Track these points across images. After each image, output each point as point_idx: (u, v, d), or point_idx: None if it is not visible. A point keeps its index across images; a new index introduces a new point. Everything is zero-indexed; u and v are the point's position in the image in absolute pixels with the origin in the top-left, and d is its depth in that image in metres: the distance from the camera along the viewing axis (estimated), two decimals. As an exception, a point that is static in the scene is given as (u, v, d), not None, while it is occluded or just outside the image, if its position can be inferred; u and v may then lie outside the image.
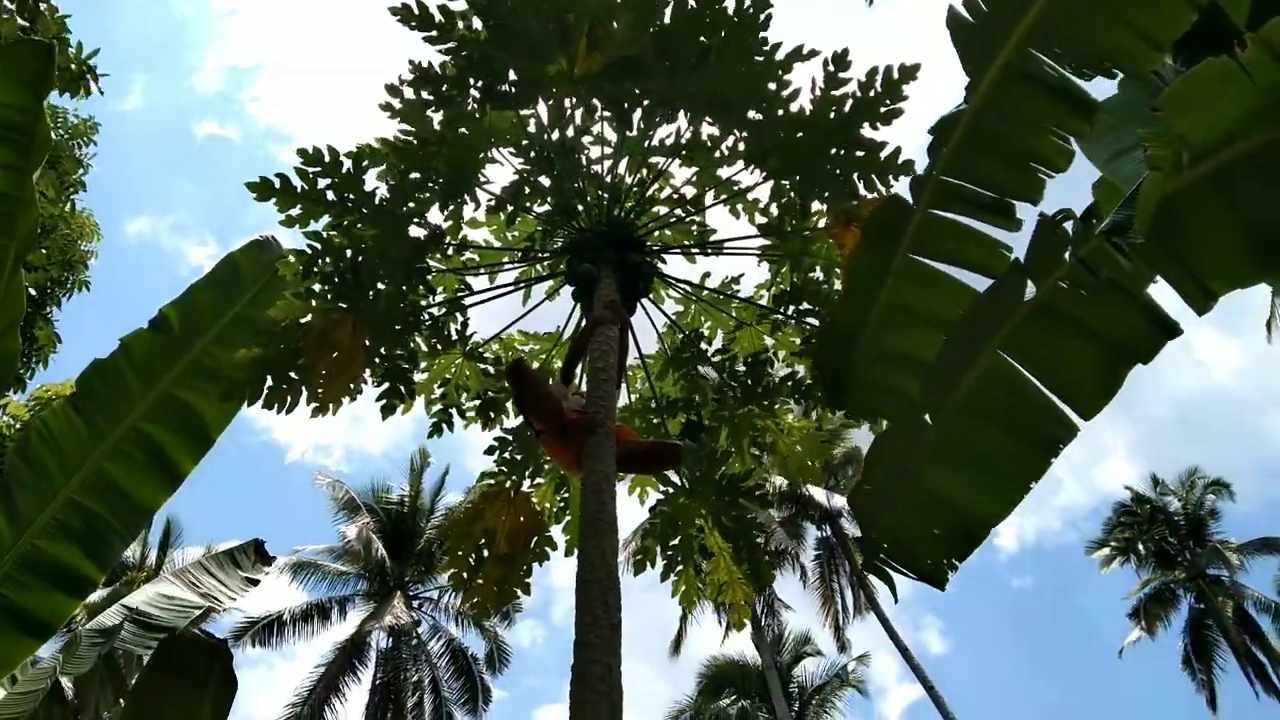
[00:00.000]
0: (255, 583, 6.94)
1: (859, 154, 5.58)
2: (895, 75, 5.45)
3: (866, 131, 5.54)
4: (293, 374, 5.63)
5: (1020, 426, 3.50)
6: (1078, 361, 3.39)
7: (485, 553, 5.99)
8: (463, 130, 5.89)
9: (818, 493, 26.47)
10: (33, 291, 12.03)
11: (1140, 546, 31.43)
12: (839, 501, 26.53)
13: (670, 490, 6.14)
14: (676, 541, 6.04)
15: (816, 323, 5.93)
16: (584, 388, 5.35)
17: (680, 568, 6.03)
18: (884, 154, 5.55)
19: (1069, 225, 3.32)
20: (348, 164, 5.75)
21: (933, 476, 3.62)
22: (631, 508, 6.10)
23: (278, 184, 5.69)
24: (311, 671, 25.42)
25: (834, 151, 5.61)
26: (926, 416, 3.63)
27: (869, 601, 26.72)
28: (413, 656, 26.79)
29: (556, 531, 6.25)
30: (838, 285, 5.84)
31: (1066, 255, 3.29)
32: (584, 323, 5.73)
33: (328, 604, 26.86)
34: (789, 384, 6.09)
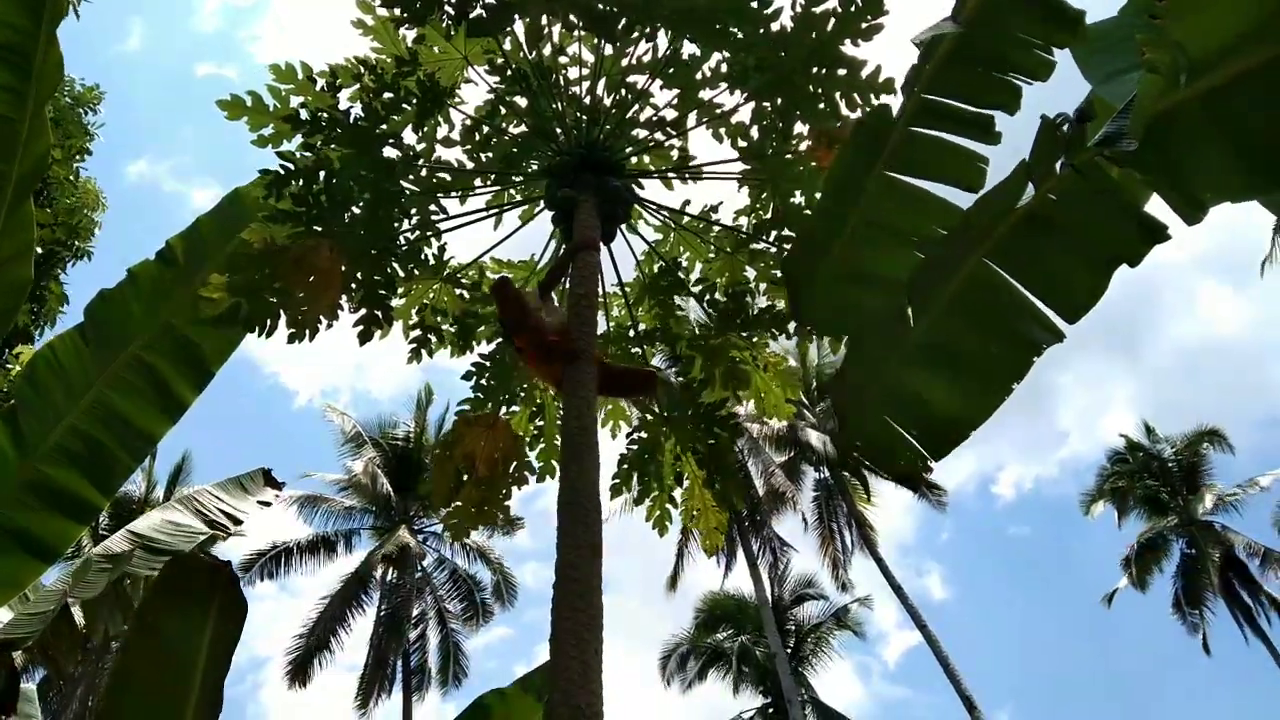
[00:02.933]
0: (266, 504, 7.04)
1: (840, 73, 5.46)
2: (875, -11, 5.30)
3: (848, 49, 5.42)
4: (270, 298, 5.60)
5: (1004, 330, 3.49)
6: (1064, 267, 3.37)
7: (465, 477, 6.02)
8: (435, 49, 5.78)
9: (814, 436, 26.58)
10: (39, 250, 12.02)
11: (1132, 496, 31.62)
12: (836, 446, 26.71)
13: (647, 418, 6.15)
14: (651, 469, 6.09)
15: (796, 249, 5.86)
16: (563, 310, 5.33)
17: (655, 494, 6.07)
18: (865, 72, 5.43)
19: (1065, 128, 3.25)
20: (321, 82, 5.66)
21: (912, 377, 3.63)
22: (605, 441, 6.11)
23: (249, 101, 5.61)
24: (318, 603, 25.93)
25: (815, 70, 5.49)
26: (910, 317, 3.61)
27: (865, 543, 27.03)
28: (417, 588, 27.29)
29: (532, 458, 6.28)
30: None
31: (1058, 166, 3.25)
32: (564, 248, 5.67)
33: (334, 537, 27.30)
34: (767, 316, 6.05)
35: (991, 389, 3.55)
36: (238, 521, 6.81)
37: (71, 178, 12.36)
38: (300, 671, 24.55)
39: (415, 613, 26.52)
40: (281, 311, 5.61)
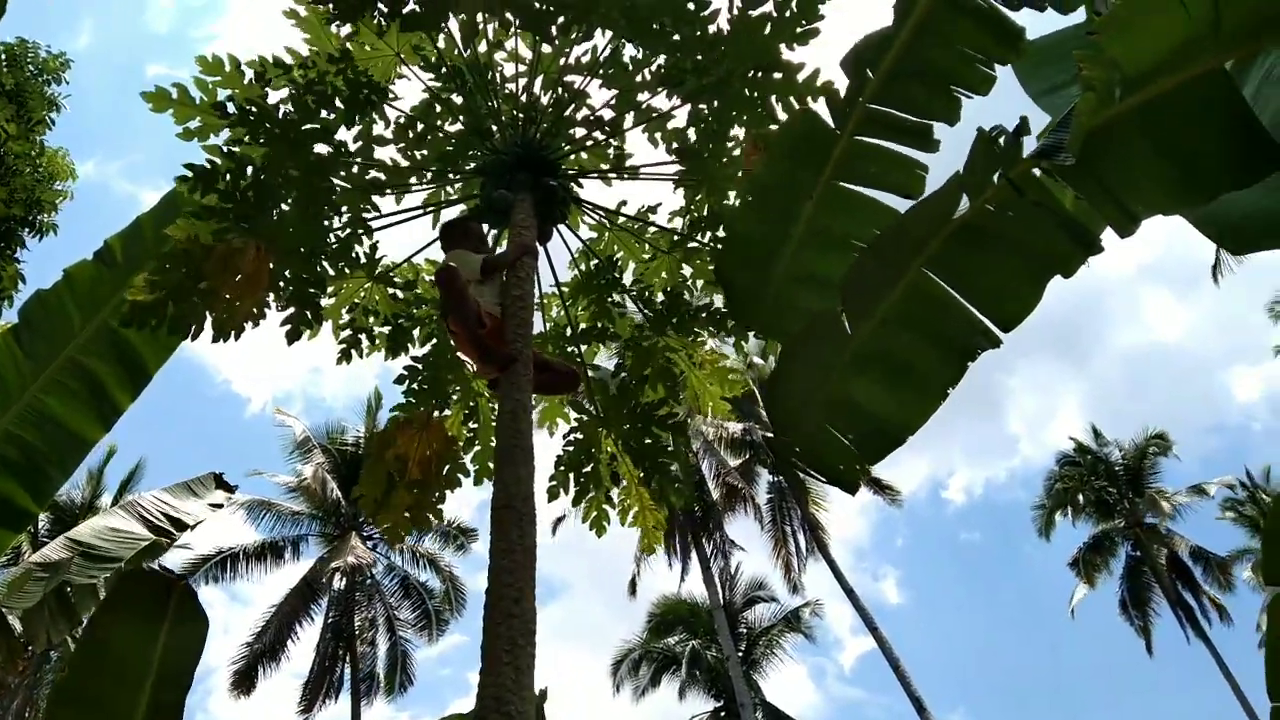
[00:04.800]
0: (218, 507, 6.90)
1: (776, 76, 5.47)
2: (811, -7, 5.32)
3: (785, 53, 5.43)
4: (195, 298, 5.46)
5: (940, 337, 3.54)
6: (999, 277, 3.43)
7: (397, 480, 5.92)
8: (367, 46, 5.68)
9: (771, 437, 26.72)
10: None
11: (1081, 496, 32.23)
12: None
13: (584, 418, 6.11)
14: (588, 470, 6.04)
15: (731, 250, 5.86)
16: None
17: (592, 494, 6.02)
18: (802, 76, 5.45)
19: (1001, 141, 3.29)
20: (249, 75, 5.54)
21: (849, 383, 3.66)
22: (543, 440, 6.08)
23: (175, 94, 5.47)
24: (266, 611, 25.50)
25: (752, 74, 5.49)
26: (845, 325, 3.63)
27: (818, 546, 27.22)
28: (367, 596, 26.96)
29: (468, 461, 6.19)
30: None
31: (995, 177, 3.29)
32: (507, 245, 5.61)
33: (282, 543, 26.86)
34: (704, 315, 6.04)
35: (927, 395, 3.61)
36: (185, 527, 6.67)
37: (34, 151, 11.87)
38: (245, 679, 24.11)
39: (365, 620, 26.19)
40: (207, 312, 5.47)
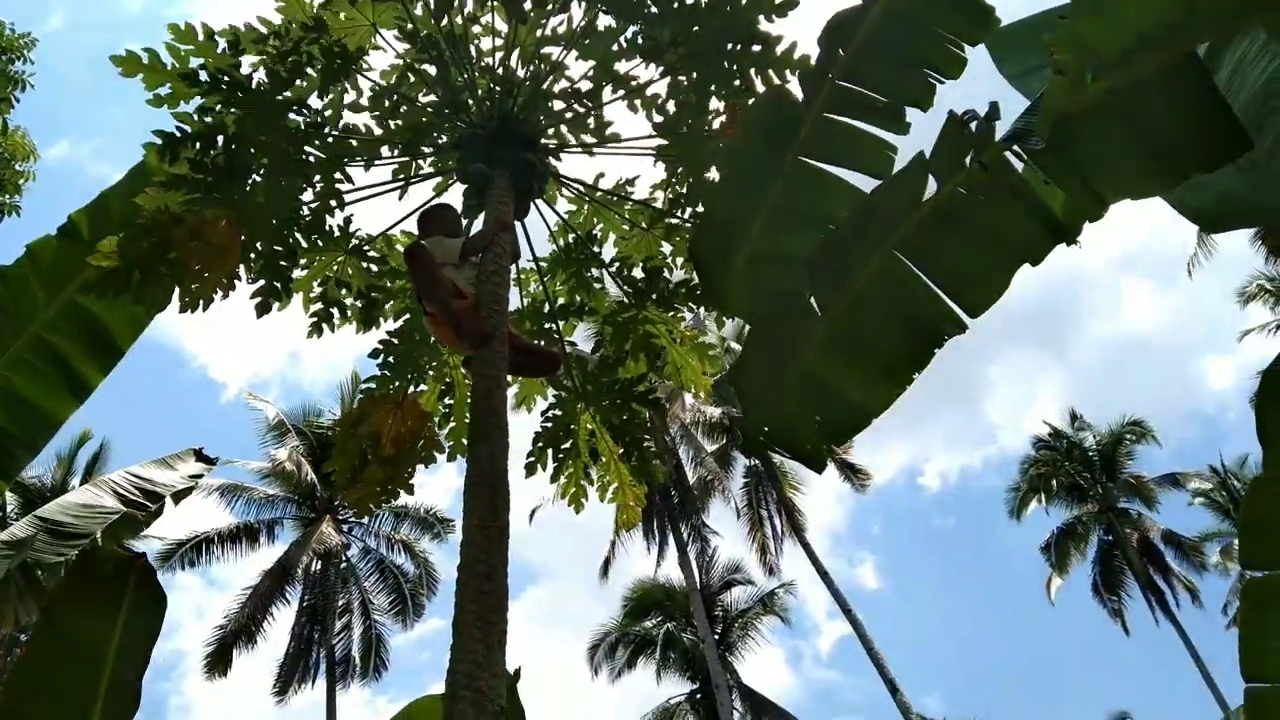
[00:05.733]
0: (197, 478, 6.80)
1: (755, 49, 5.43)
2: (789, -35, 5.28)
3: (763, 25, 5.39)
4: (162, 268, 5.36)
5: (907, 321, 3.52)
6: (970, 264, 3.40)
7: (370, 455, 5.86)
8: (341, 15, 5.58)
9: (747, 422, 26.77)
10: None
11: (1054, 481, 32.58)
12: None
13: (562, 395, 6.07)
14: (567, 445, 6.01)
15: (710, 226, 5.83)
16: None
17: (569, 471, 6.00)
18: (780, 49, 5.41)
19: (973, 125, 3.27)
20: (222, 44, 5.42)
21: (819, 364, 3.64)
22: (520, 416, 6.06)
23: (145, 59, 5.35)
24: (239, 594, 25.32)
25: (730, 46, 5.45)
26: (815, 306, 3.61)
27: (794, 529, 27.38)
28: (341, 579, 26.84)
29: (444, 437, 6.15)
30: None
31: (967, 161, 3.27)
32: (484, 222, 5.56)
33: (256, 526, 26.65)
34: (683, 290, 6.01)
35: (893, 379, 3.58)
36: (159, 498, 6.56)
37: None
38: (220, 662, 23.94)
39: (340, 603, 26.07)
40: (175, 283, 5.37)
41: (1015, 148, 3.08)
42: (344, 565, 26.58)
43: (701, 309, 6.34)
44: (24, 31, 12.20)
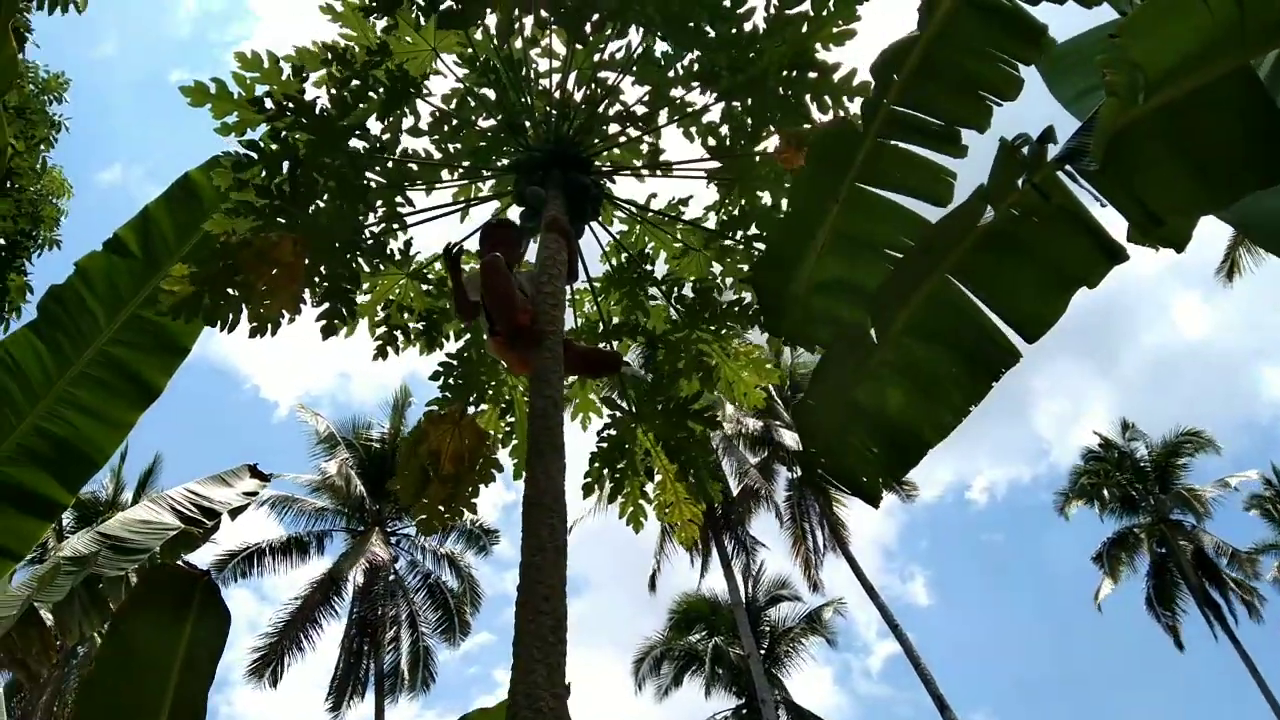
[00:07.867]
0: (252, 495, 6.95)
1: (811, 76, 5.45)
2: (847, -7, 5.29)
3: (820, 53, 5.41)
4: (231, 290, 5.51)
5: (964, 351, 3.50)
6: (1025, 287, 3.38)
7: (431, 474, 5.95)
8: (406, 39, 5.71)
9: (789, 436, 26.65)
10: (2, 240, 11.92)
11: (1105, 491, 31.89)
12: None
13: (617, 414, 6.12)
14: (623, 465, 6.05)
15: (764, 249, 5.86)
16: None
17: (627, 490, 6.03)
18: (838, 76, 5.42)
19: (1025, 149, 3.27)
20: (287, 70, 5.57)
21: (875, 395, 3.63)
22: (576, 434, 6.13)
23: (213, 89, 5.51)
24: (286, 604, 25.66)
25: (787, 73, 5.47)
26: (873, 335, 3.61)
27: (838, 544, 27.13)
28: (389, 592, 27.06)
29: (505, 456, 6.23)
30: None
31: (1020, 182, 3.26)
32: (528, 228, 5.64)
33: (306, 538, 27.00)
34: (735, 310, 6.03)
35: (950, 411, 3.56)
36: (215, 515, 6.72)
37: (37, 167, 12.23)
38: (268, 672, 24.28)
39: (388, 616, 26.30)
40: (244, 306, 5.52)
41: (1069, 168, 3.08)
42: (391, 578, 26.82)
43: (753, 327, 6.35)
44: (57, 71, 12.74)
